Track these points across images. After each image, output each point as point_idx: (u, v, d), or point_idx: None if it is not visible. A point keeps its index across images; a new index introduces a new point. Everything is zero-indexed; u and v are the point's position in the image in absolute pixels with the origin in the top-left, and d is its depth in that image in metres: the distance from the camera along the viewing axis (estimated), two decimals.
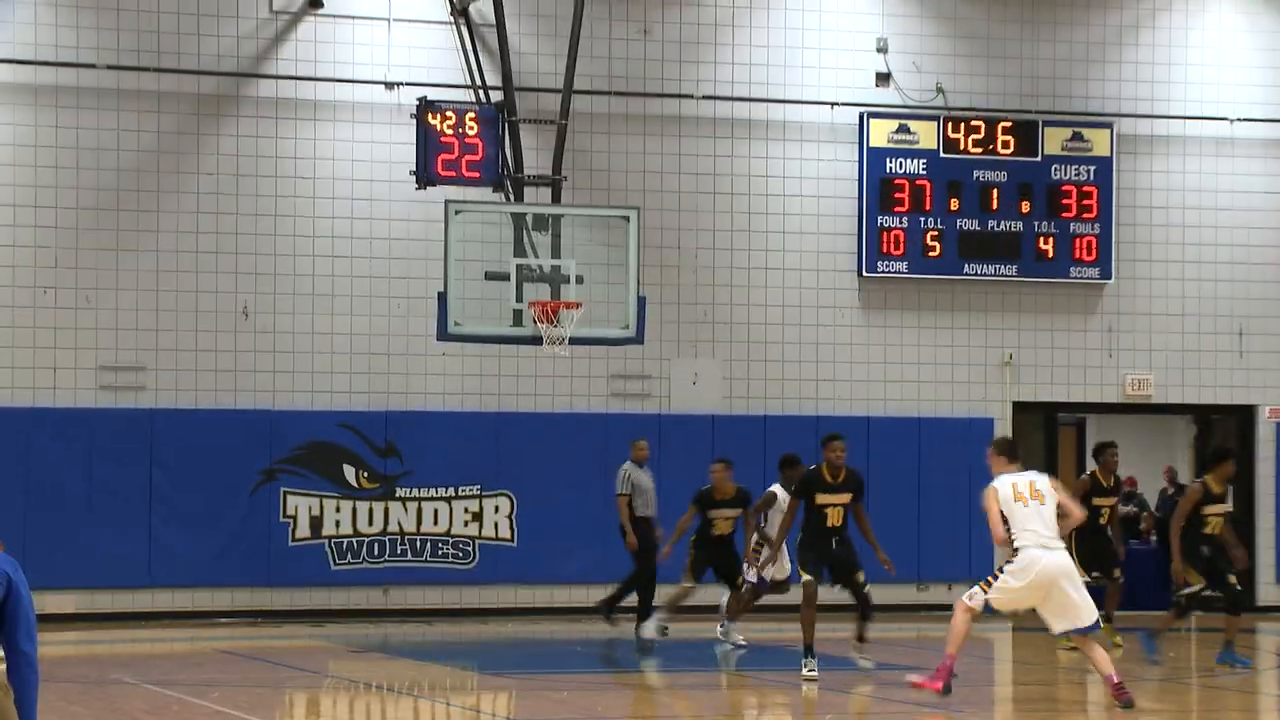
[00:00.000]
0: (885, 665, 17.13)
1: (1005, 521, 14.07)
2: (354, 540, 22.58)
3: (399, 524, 22.69)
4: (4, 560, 7.37)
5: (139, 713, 14.59)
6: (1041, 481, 14.28)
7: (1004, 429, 24.28)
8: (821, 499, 16.40)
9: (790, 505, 16.88)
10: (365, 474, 22.61)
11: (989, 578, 14.33)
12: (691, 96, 23.75)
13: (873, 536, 16.61)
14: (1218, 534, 17.60)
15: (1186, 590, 17.58)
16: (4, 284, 21.82)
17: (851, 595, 16.75)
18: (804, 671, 16.08)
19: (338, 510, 22.50)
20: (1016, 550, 14.10)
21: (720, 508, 19.00)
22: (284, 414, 22.42)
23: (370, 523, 22.62)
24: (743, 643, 18.88)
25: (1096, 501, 18.88)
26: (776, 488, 18.55)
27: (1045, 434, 25.42)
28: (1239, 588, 17.75)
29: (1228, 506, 18.07)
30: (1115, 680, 14.07)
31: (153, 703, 15.14)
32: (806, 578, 16.27)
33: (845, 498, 16.46)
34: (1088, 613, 14.15)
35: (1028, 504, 14.09)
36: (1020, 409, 24.67)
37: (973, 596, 14.29)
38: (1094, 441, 21.63)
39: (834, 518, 16.41)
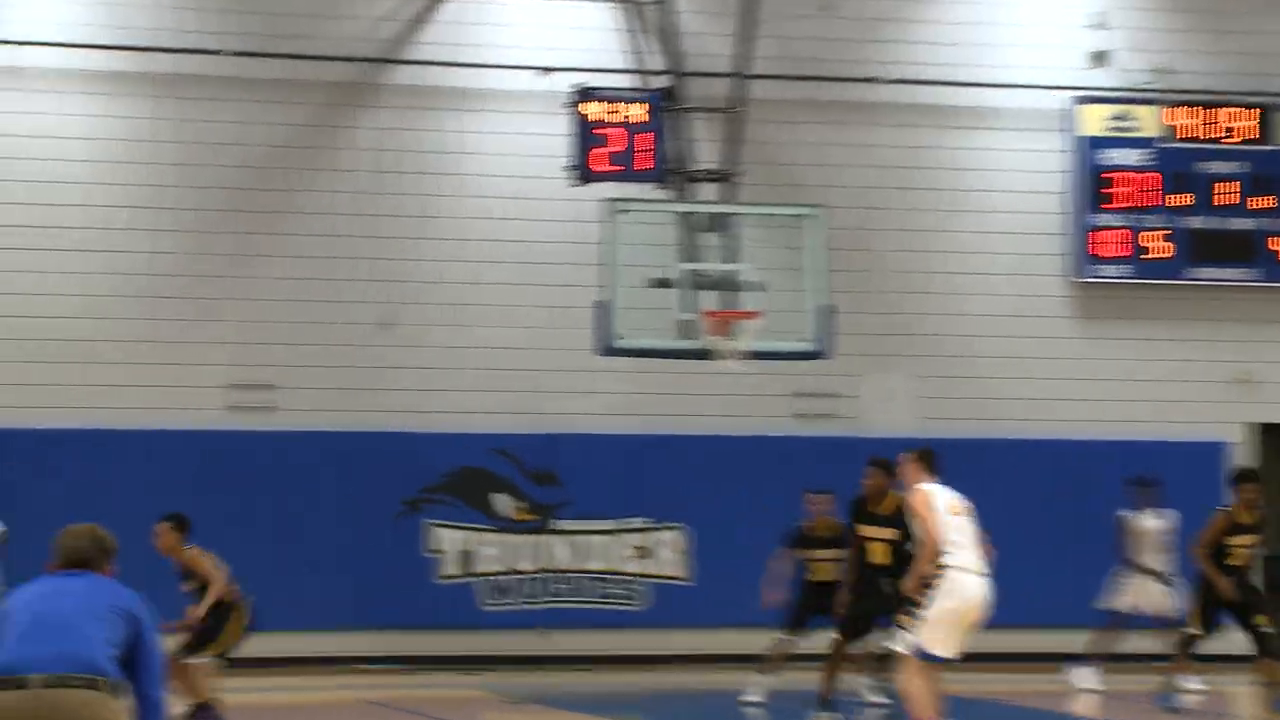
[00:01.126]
0: None
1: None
2: (508, 578, 22.67)
3: (558, 560, 22.81)
4: (129, 597, 7.70)
5: None
6: (962, 500, 14.31)
7: (1244, 454, 23.88)
8: None
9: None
10: (520, 504, 22.71)
11: (907, 617, 14.01)
12: (880, 80, 23.63)
13: None
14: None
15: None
16: (121, 294, 22.05)
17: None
18: None
19: (490, 544, 22.60)
20: (941, 569, 13.86)
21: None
22: (429, 437, 22.49)
23: (526, 559, 22.73)
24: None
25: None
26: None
27: None
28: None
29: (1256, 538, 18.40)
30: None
31: None
32: None
33: None
34: None
35: (960, 519, 14.19)
36: (1269, 431, 24.22)
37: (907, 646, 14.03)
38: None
39: None
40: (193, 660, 16.06)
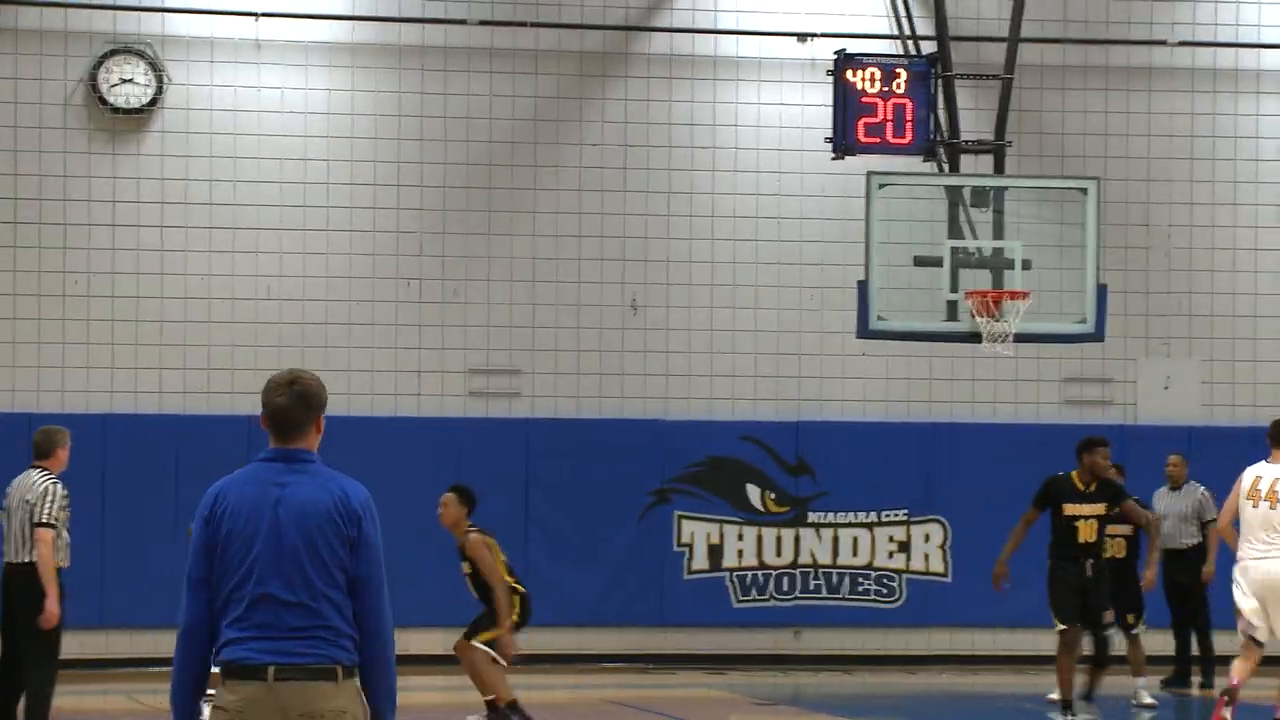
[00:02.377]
0: None
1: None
2: (759, 573, 22.75)
3: (812, 554, 22.82)
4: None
5: None
6: None
7: None
8: None
9: None
10: (772, 495, 22.76)
11: None
12: (1164, 43, 23.50)
13: None
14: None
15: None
16: (363, 275, 22.38)
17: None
18: None
19: (740, 538, 22.67)
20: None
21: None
22: (678, 424, 22.63)
23: (778, 553, 22.77)
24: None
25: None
26: None
27: None
28: None
29: None
30: None
31: None
32: None
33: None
34: None
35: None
36: None
37: None
38: None
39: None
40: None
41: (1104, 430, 22.52)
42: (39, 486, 14.57)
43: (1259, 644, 15.89)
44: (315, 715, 7.58)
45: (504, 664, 16.29)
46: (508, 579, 16.42)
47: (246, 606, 7.60)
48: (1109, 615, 17.71)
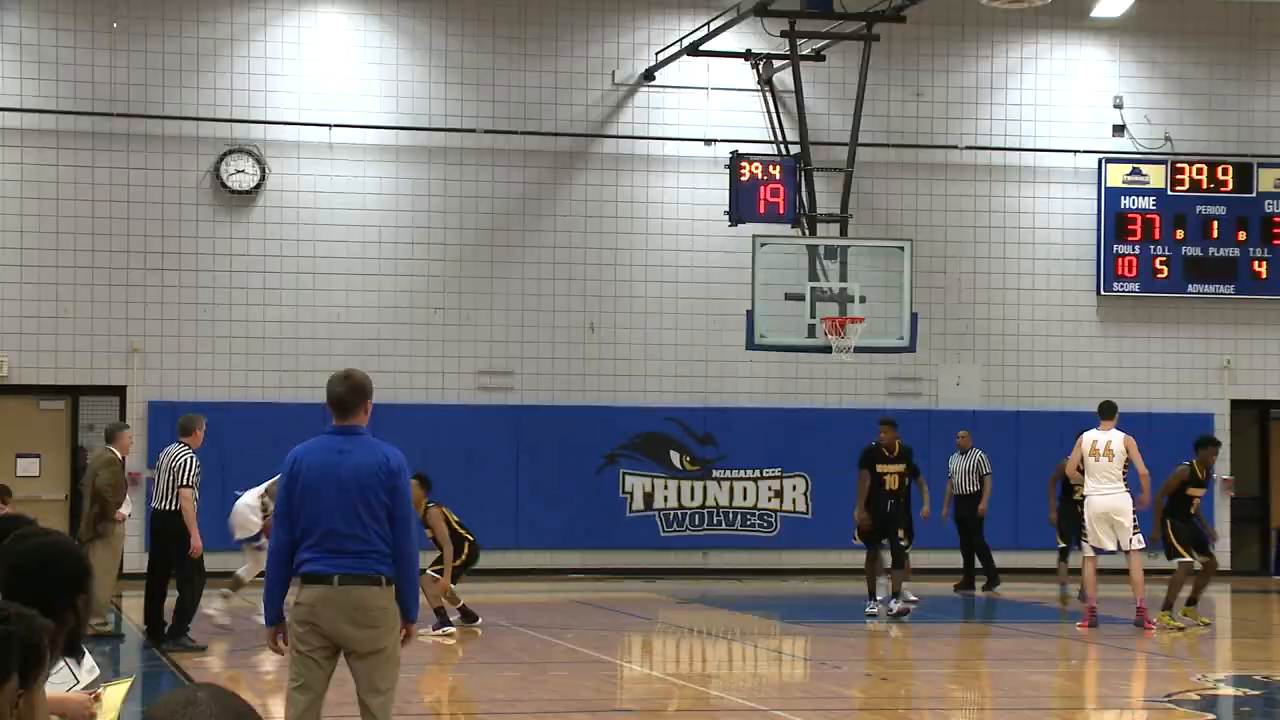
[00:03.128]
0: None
1: None
2: (679, 512, 22.64)
3: (715, 499, 22.69)
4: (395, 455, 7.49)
5: (510, 649, 14.82)
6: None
7: (1223, 424, 23.58)
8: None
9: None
10: (688, 458, 22.64)
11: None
12: (957, 147, 23.45)
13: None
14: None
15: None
16: (404, 305, 22.22)
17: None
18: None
19: (666, 488, 22.55)
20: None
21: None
22: (622, 410, 22.50)
23: (692, 498, 22.65)
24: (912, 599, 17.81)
25: (1190, 491, 17.89)
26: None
27: (1259, 427, 24.49)
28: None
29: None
30: None
31: (521, 642, 15.37)
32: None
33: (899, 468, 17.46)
34: None
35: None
36: (1237, 406, 23.90)
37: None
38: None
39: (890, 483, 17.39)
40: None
41: (914, 414, 22.67)
42: (181, 457, 14.42)
43: (1099, 553, 16.09)
44: (366, 609, 7.49)
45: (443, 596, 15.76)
46: (460, 531, 15.85)
47: (319, 536, 7.50)
48: (901, 533, 17.69)
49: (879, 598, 17.70)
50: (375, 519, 7.48)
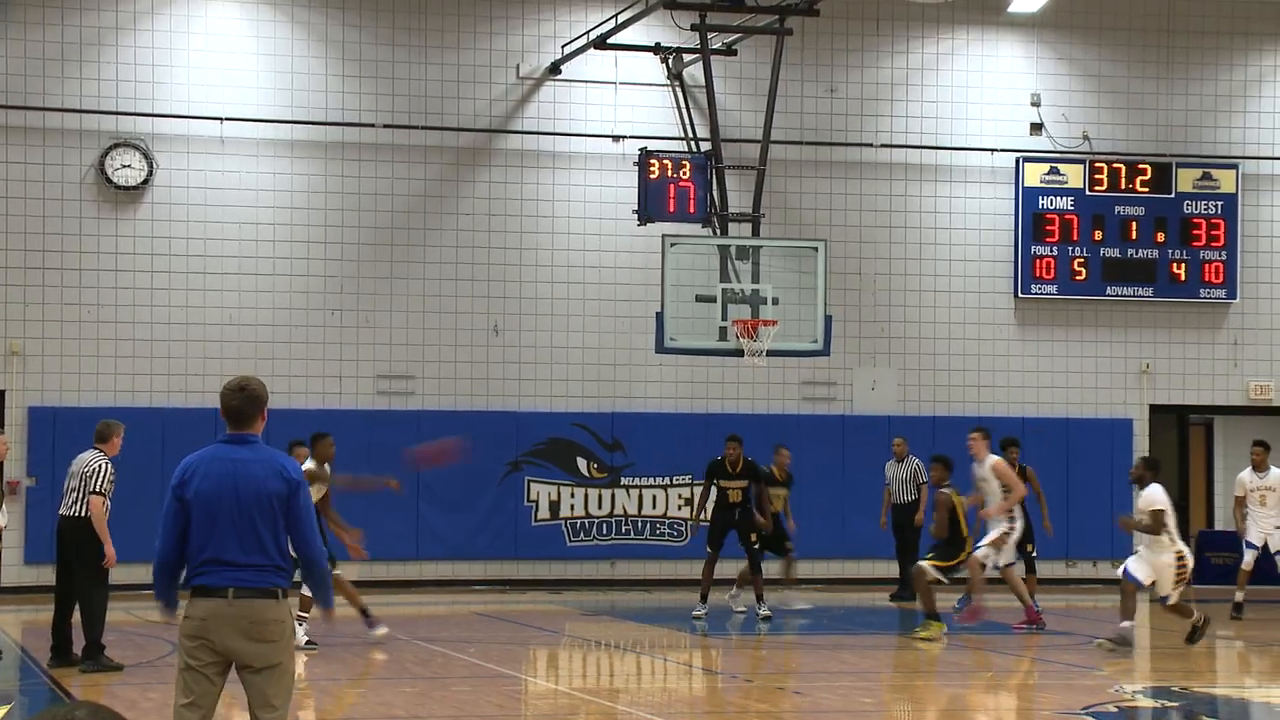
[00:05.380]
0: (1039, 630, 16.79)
1: None
2: (586, 521, 22.67)
3: (624, 508, 22.76)
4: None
5: (409, 664, 14.77)
6: None
7: (1142, 429, 23.96)
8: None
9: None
10: (595, 465, 22.68)
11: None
12: (871, 145, 23.59)
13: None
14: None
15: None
16: (300, 307, 22.11)
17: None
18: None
19: (572, 496, 22.57)
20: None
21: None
22: (527, 415, 22.53)
23: (600, 507, 22.70)
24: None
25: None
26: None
27: (1178, 433, 24.96)
28: None
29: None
30: None
31: (420, 656, 15.32)
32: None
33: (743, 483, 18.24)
34: None
35: None
36: (1156, 411, 24.26)
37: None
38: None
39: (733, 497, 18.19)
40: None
41: (828, 419, 22.85)
42: (94, 463, 14.18)
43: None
44: (261, 623, 7.49)
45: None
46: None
47: (213, 549, 7.49)
48: (753, 537, 18.46)
49: (763, 610, 18.31)
50: (272, 531, 7.50)
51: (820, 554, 21.73)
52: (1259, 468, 19.10)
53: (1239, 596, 18.76)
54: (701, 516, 18.95)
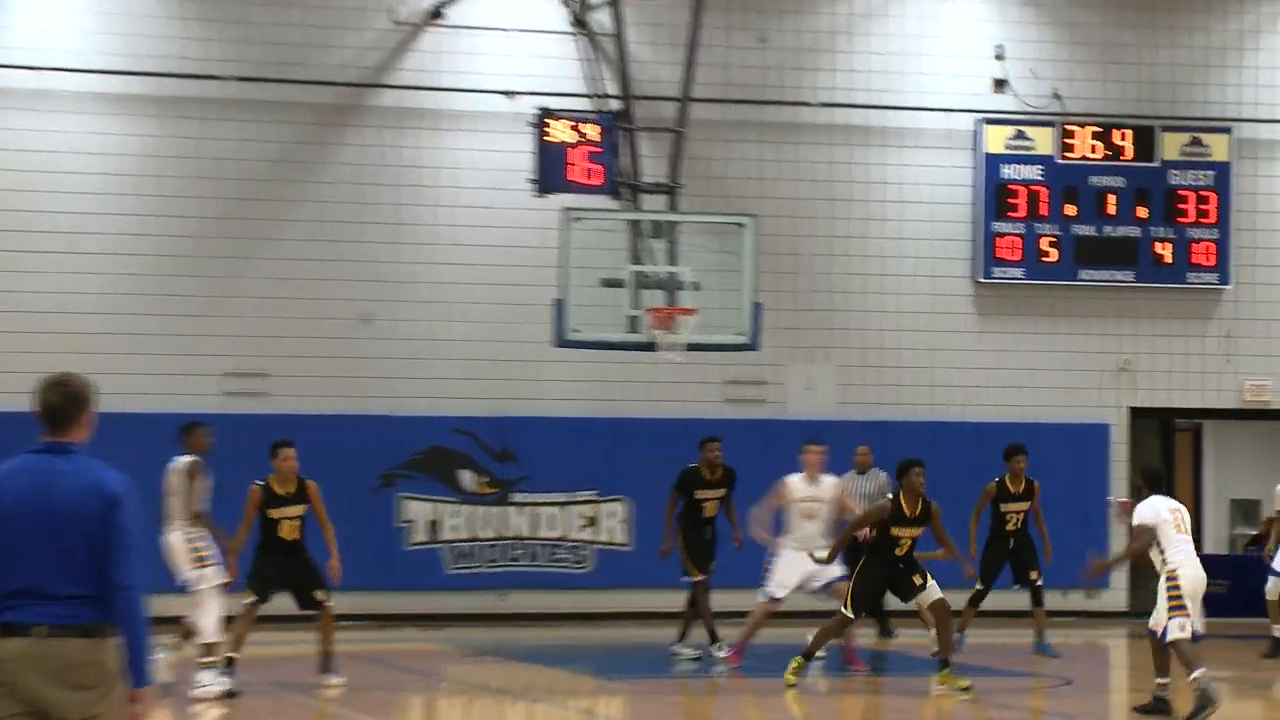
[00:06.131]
0: (997, 670, 16.94)
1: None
2: (471, 545, 22.64)
3: (515, 529, 22.76)
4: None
5: (261, 714, 14.70)
6: None
7: (1120, 435, 24.20)
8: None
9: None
10: (482, 479, 22.66)
11: None
12: (808, 104, 23.67)
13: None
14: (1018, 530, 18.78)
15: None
16: (130, 292, 22.00)
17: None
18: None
19: (455, 515, 22.56)
20: None
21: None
22: (402, 419, 22.48)
23: (487, 527, 22.69)
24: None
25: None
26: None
27: (1162, 439, 25.22)
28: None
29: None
30: None
31: (273, 705, 15.27)
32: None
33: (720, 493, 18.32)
34: None
35: None
36: (1136, 414, 24.49)
37: None
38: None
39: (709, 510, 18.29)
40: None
41: (757, 424, 22.90)
42: None
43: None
44: (77, 666, 7.43)
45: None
46: None
47: (20, 577, 7.43)
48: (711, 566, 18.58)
49: (716, 644, 18.18)
50: (88, 555, 7.45)
51: (744, 582, 21.63)
52: None
53: (1277, 631, 18.98)
54: (676, 542, 18.48)
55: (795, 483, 17.51)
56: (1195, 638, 14.19)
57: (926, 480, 21.08)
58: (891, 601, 17.90)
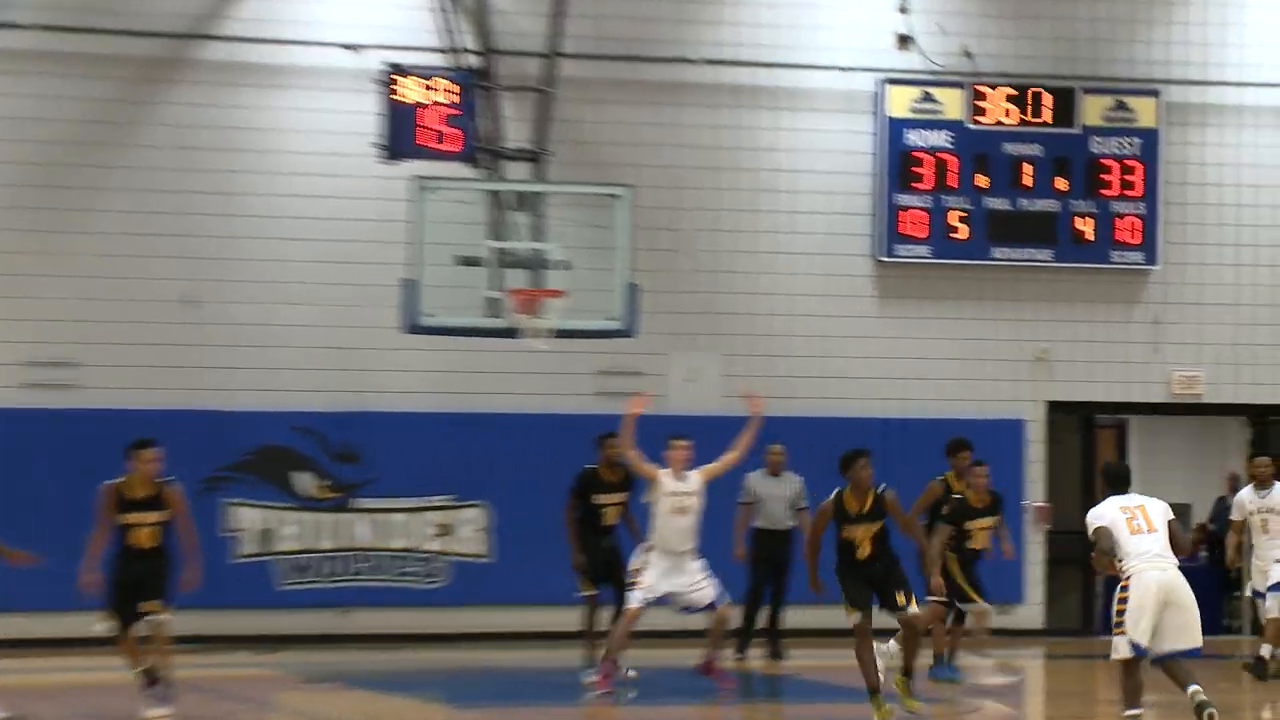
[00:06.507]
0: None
1: None
2: (308, 557, 22.54)
3: (359, 538, 22.66)
4: None
5: None
6: None
7: (1038, 431, 24.32)
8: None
9: None
10: (321, 482, 22.55)
11: None
12: (691, 61, 23.61)
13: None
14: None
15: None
16: None
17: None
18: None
19: (290, 523, 22.46)
20: None
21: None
22: (231, 415, 22.35)
23: (326, 537, 22.58)
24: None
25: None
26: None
27: (1082, 437, 25.20)
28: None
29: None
30: None
31: None
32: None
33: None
34: None
35: None
36: (1055, 409, 24.57)
37: None
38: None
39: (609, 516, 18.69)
40: None
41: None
42: None
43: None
44: None
45: None
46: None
47: None
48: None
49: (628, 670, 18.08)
50: None
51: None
52: (1262, 484, 19.34)
53: (1265, 651, 18.89)
54: (580, 557, 18.67)
55: (663, 478, 17.59)
56: (1163, 658, 13.45)
57: (820, 479, 20.80)
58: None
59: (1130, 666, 13.42)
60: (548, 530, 22.17)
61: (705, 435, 22.26)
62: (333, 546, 22.52)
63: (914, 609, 15.58)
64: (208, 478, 22.06)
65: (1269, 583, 19.10)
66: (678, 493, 17.48)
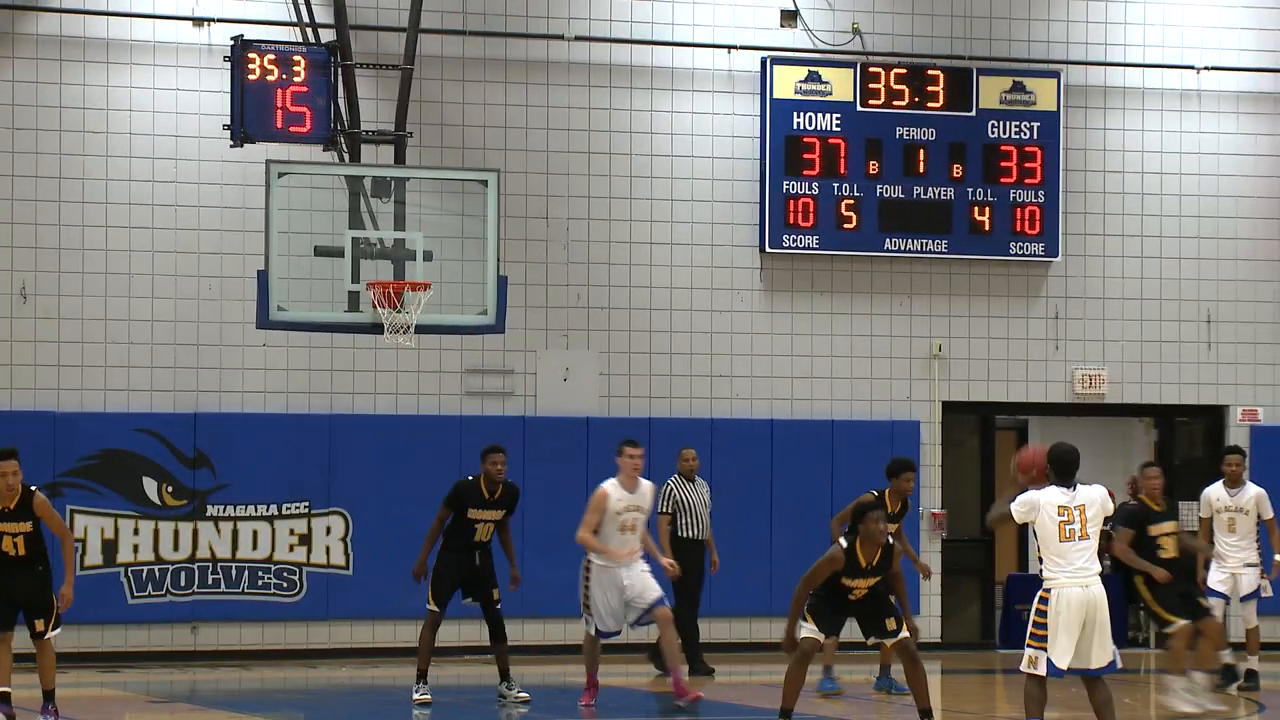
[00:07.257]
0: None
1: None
2: (156, 568, 22.50)
3: (210, 548, 22.61)
4: None
5: None
6: None
7: (933, 433, 24.52)
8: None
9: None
10: (170, 489, 22.53)
11: None
12: (562, 38, 23.73)
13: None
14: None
15: None
16: None
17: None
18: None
19: (136, 532, 22.41)
20: None
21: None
22: (70, 416, 22.27)
23: (176, 547, 22.53)
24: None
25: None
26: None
27: (981, 439, 25.57)
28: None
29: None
30: None
31: None
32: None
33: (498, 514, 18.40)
34: None
35: None
36: (950, 409, 24.83)
37: None
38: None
39: (482, 533, 18.39)
40: None
41: (503, 423, 22.88)
42: None
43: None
44: None
45: None
46: None
47: None
48: (496, 594, 18.54)
49: (516, 690, 18.44)
50: None
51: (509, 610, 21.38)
52: (1233, 481, 19.70)
53: (1227, 657, 19.28)
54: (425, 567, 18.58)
55: (613, 491, 17.69)
56: (1096, 672, 13.97)
57: (710, 485, 21.33)
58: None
59: (1039, 677, 13.93)
60: (410, 540, 22.34)
61: (578, 440, 22.84)
62: (183, 558, 22.44)
63: (905, 633, 15.69)
64: (46, 484, 21.08)
65: (1242, 592, 19.44)
66: (629, 508, 17.63)
